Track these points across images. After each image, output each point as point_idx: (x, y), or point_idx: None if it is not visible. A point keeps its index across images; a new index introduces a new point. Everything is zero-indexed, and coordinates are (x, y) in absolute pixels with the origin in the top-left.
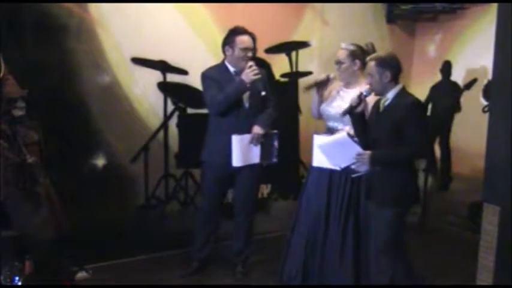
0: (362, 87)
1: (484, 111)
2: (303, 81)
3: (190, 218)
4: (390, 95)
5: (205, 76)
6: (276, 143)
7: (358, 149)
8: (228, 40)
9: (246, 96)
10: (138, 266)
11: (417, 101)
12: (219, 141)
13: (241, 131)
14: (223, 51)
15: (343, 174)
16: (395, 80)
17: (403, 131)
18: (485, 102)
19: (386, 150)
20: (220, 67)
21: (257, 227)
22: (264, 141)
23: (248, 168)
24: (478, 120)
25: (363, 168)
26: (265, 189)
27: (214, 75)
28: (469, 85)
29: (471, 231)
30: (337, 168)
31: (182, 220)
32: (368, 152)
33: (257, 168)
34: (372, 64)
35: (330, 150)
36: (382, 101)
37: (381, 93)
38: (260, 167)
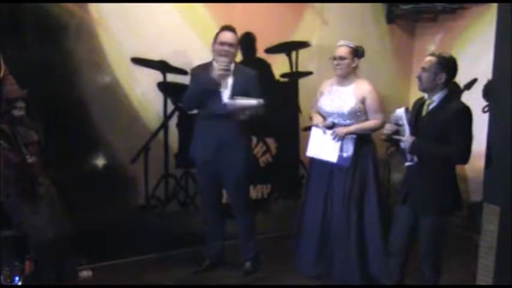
0: (359, 84)
1: (484, 111)
2: (303, 81)
3: (190, 218)
4: (436, 98)
5: (191, 73)
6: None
7: (406, 130)
8: (214, 37)
9: (226, 94)
10: (138, 266)
11: (465, 107)
12: (200, 138)
13: (216, 130)
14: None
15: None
16: (447, 83)
17: (447, 136)
18: (485, 102)
19: (428, 144)
20: (207, 64)
21: (257, 227)
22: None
23: (232, 166)
24: (478, 120)
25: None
26: (265, 189)
27: (197, 72)
28: (469, 85)
29: (471, 231)
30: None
31: (182, 220)
32: (412, 137)
33: (242, 166)
34: (432, 60)
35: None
36: (426, 103)
37: (427, 91)
38: (246, 165)
